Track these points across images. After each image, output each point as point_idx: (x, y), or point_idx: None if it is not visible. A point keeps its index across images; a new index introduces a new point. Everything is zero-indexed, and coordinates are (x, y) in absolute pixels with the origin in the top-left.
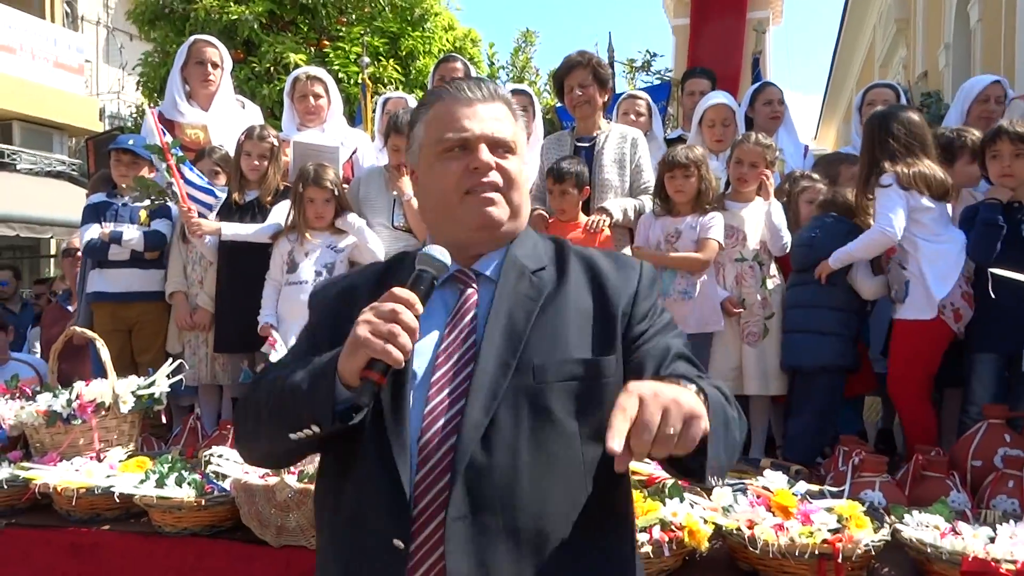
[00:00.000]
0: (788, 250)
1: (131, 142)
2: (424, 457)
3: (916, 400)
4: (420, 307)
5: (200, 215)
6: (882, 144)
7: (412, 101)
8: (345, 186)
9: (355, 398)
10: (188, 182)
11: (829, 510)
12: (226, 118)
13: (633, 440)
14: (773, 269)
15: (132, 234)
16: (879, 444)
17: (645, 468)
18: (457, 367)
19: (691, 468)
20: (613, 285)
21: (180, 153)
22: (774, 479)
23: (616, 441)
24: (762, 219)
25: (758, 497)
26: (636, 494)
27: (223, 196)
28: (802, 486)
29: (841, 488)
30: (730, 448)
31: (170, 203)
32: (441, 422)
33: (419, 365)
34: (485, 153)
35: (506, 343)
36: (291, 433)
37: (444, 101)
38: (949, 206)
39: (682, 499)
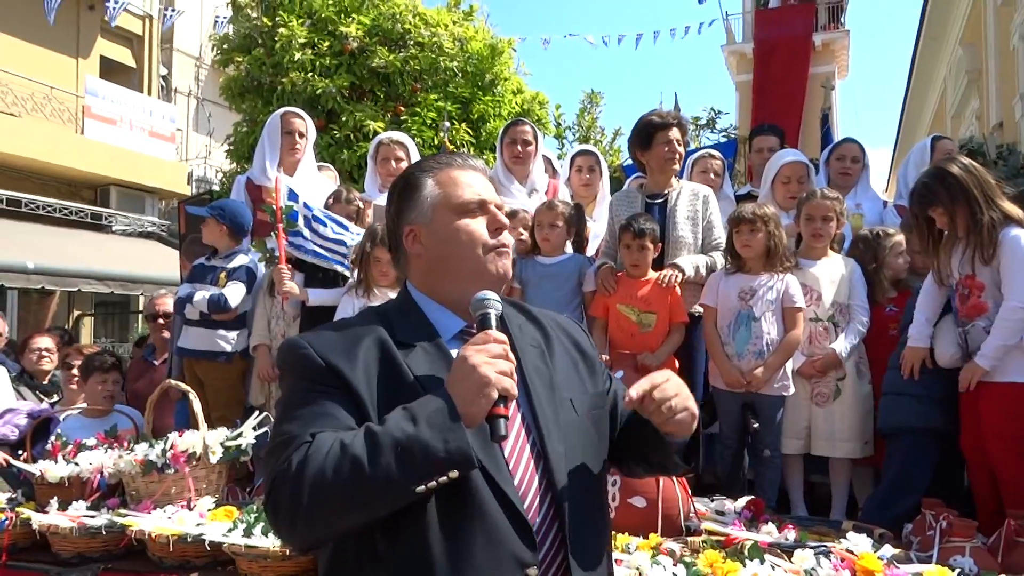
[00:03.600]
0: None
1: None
2: (523, 492)
3: (1017, 463)
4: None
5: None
6: (982, 189)
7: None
8: None
9: (492, 436)
10: (322, 236)
11: (917, 575)
12: (309, 183)
13: (649, 398)
14: (854, 328)
15: (200, 295)
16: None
17: (722, 529)
18: (512, 413)
19: (666, 465)
20: (574, 333)
21: (307, 211)
22: (858, 542)
23: (635, 392)
24: (836, 277)
25: (842, 560)
26: (715, 554)
27: (357, 238)
28: (888, 550)
29: (928, 553)
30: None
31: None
32: (524, 459)
33: None
34: (502, 215)
35: (544, 385)
36: (418, 487)
37: (454, 168)
38: None
39: (763, 560)
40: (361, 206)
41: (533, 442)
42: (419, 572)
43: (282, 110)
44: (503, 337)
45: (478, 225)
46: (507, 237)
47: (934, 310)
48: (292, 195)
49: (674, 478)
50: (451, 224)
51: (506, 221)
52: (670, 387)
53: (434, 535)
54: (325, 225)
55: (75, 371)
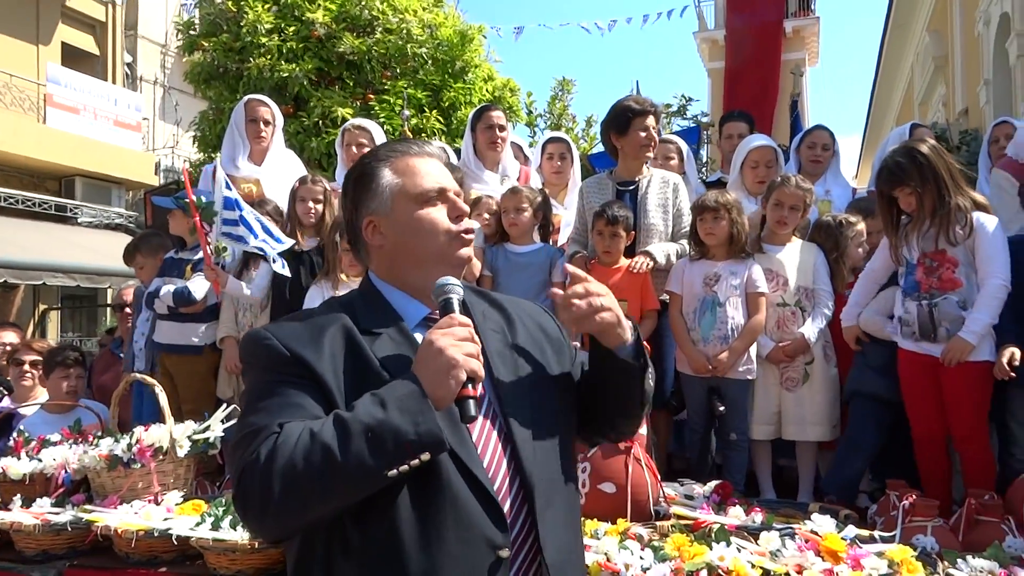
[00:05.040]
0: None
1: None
2: (492, 474)
3: (985, 442)
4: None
5: (265, 254)
6: (950, 172)
7: (451, 152)
8: None
9: (462, 417)
10: (265, 230)
11: (880, 555)
12: (277, 172)
13: (578, 295)
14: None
15: (166, 289)
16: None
17: (691, 513)
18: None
19: (631, 392)
20: (538, 317)
21: (230, 211)
22: (823, 523)
23: (566, 276)
24: (801, 262)
25: (807, 541)
26: (682, 538)
27: (286, 243)
28: (851, 530)
29: (892, 533)
30: (648, 383)
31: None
32: (492, 442)
33: None
34: (462, 203)
35: (508, 369)
36: (390, 470)
37: (411, 156)
38: None
39: (729, 543)
40: (328, 189)
41: (500, 426)
42: (390, 558)
43: (247, 98)
44: (467, 320)
45: (439, 214)
46: (469, 223)
47: (866, 296)
48: (229, 202)
49: (643, 465)
50: (412, 214)
51: (466, 208)
52: (594, 286)
53: (405, 520)
54: (251, 229)
55: (26, 367)
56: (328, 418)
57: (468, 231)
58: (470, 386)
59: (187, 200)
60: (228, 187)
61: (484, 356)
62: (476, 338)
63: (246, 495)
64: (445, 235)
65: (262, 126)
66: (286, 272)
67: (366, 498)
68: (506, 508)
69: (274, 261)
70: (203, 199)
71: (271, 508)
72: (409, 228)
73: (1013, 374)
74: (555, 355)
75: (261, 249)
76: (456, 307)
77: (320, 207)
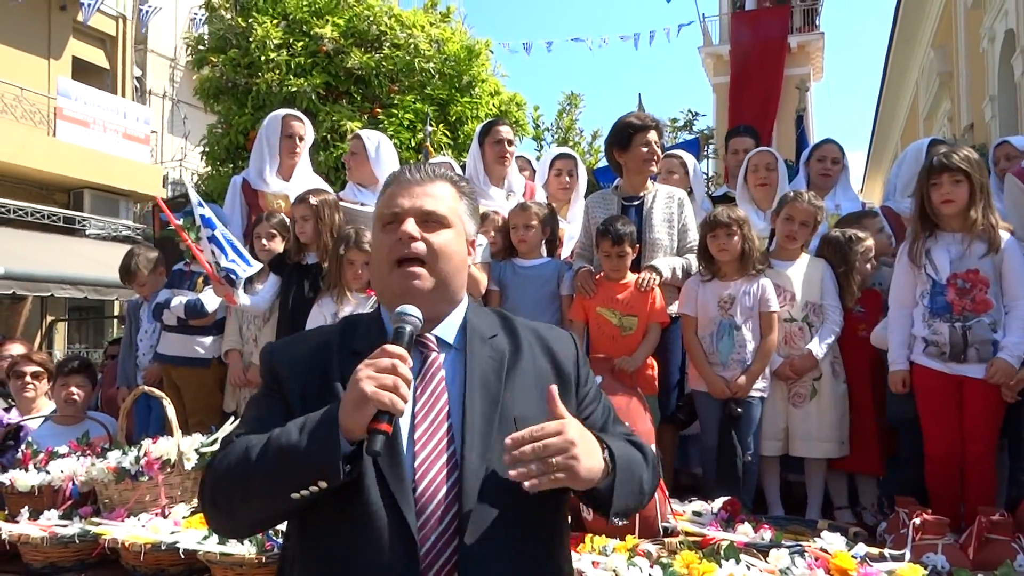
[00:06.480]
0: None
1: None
2: (424, 503)
3: (994, 461)
4: (410, 360)
5: (230, 279)
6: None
7: (457, 166)
8: None
9: (367, 449)
10: (224, 250)
11: (890, 573)
12: (304, 185)
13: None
14: (829, 328)
15: (177, 301)
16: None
17: (699, 530)
18: (436, 423)
19: (600, 505)
20: (560, 351)
21: (205, 229)
22: (832, 541)
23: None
24: (809, 277)
25: (816, 559)
26: (691, 555)
27: (255, 267)
28: (861, 548)
29: (902, 551)
30: (632, 495)
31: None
32: (435, 470)
33: (398, 423)
34: (410, 225)
35: (486, 400)
36: (293, 493)
37: (392, 184)
38: None
39: (738, 560)
40: (316, 203)
41: (453, 454)
42: (319, 569)
43: (282, 112)
44: (401, 352)
45: (386, 240)
46: (416, 247)
47: (905, 330)
48: (204, 220)
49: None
50: (374, 240)
51: (412, 231)
52: (554, 443)
53: (331, 538)
54: (223, 250)
55: (28, 378)
56: (266, 435)
57: (405, 260)
58: (385, 420)
59: (173, 227)
60: (201, 205)
61: (463, 384)
62: (404, 371)
63: (199, 492)
64: (386, 263)
65: (297, 142)
66: (246, 301)
67: (308, 508)
68: (432, 540)
69: (239, 285)
70: (187, 219)
71: (209, 505)
72: (373, 254)
73: (1020, 397)
74: (560, 393)
75: (232, 271)
76: (405, 339)
77: (308, 224)
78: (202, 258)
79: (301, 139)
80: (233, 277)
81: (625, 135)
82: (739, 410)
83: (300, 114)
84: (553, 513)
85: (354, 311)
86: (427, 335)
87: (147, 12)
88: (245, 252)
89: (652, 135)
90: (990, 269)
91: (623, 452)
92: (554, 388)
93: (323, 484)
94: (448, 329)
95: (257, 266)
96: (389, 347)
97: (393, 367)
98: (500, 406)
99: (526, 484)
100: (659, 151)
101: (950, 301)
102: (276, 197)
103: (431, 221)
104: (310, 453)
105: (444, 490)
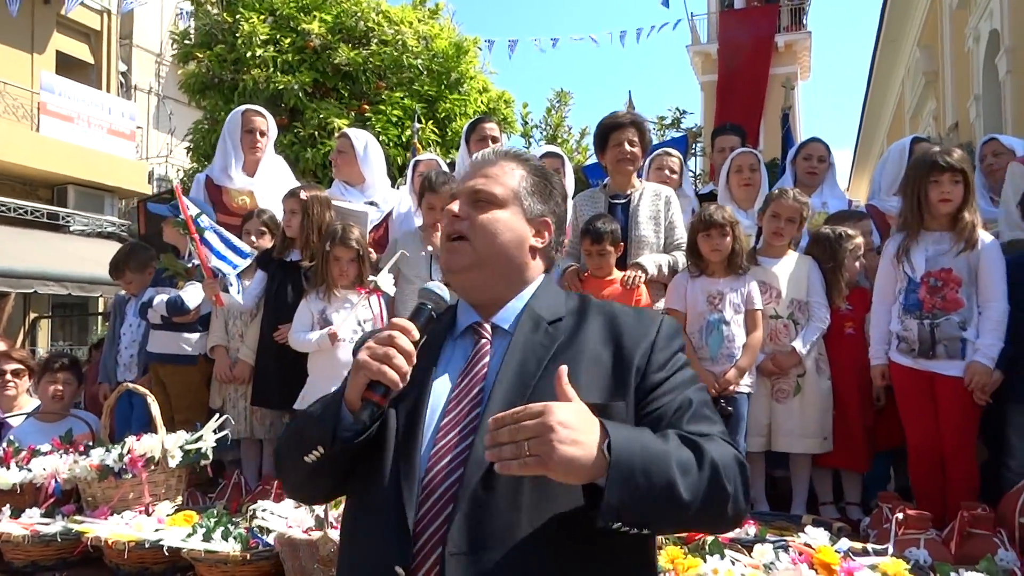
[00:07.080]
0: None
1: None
2: (428, 492)
3: (972, 455)
4: (416, 334)
5: (223, 274)
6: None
7: (443, 163)
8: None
9: (354, 419)
10: (212, 246)
11: (873, 568)
12: (270, 182)
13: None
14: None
15: (159, 299)
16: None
17: None
18: (466, 410)
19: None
20: (631, 336)
21: (203, 224)
22: (816, 536)
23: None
24: (795, 274)
25: (800, 554)
26: (676, 550)
27: (247, 260)
28: (845, 543)
29: (885, 546)
30: (644, 500)
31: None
32: (447, 459)
33: (432, 409)
34: (455, 204)
35: (515, 388)
36: (305, 456)
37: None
38: None
39: (723, 556)
40: (306, 198)
41: (468, 444)
42: (343, 541)
43: (242, 108)
44: (404, 324)
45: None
46: (456, 225)
47: (885, 329)
48: (205, 209)
49: None
50: None
51: (454, 208)
52: (527, 427)
53: (352, 523)
54: (211, 247)
55: (8, 376)
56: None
57: (451, 237)
58: (380, 392)
59: (183, 218)
60: (188, 208)
61: (496, 370)
62: (405, 345)
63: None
64: (442, 243)
65: (258, 137)
66: (239, 299)
67: (346, 487)
68: (424, 539)
69: (230, 285)
70: (195, 213)
71: (280, 472)
72: None
73: (990, 400)
74: (612, 383)
75: (219, 269)
76: (420, 314)
77: (296, 218)
78: (203, 255)
79: (263, 134)
80: (220, 275)
81: (602, 135)
82: (729, 409)
83: (262, 109)
84: (590, 533)
85: (340, 308)
86: (484, 323)
87: (129, 2)
88: (239, 244)
89: (629, 133)
90: (964, 268)
91: (638, 448)
92: (563, 368)
93: (320, 450)
94: (507, 315)
95: (246, 262)
96: (395, 319)
97: (389, 338)
98: (529, 394)
99: (496, 467)
100: (635, 149)
101: (921, 299)
102: (240, 193)
103: (481, 201)
104: (317, 420)
105: (445, 485)
